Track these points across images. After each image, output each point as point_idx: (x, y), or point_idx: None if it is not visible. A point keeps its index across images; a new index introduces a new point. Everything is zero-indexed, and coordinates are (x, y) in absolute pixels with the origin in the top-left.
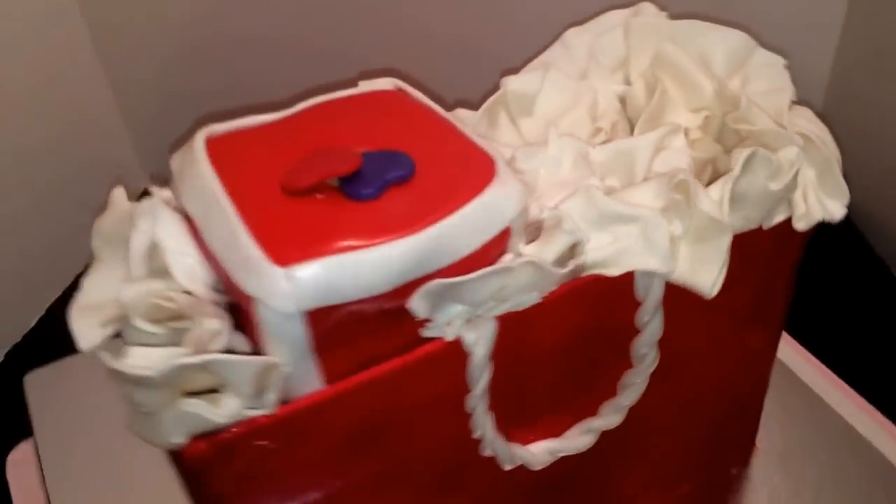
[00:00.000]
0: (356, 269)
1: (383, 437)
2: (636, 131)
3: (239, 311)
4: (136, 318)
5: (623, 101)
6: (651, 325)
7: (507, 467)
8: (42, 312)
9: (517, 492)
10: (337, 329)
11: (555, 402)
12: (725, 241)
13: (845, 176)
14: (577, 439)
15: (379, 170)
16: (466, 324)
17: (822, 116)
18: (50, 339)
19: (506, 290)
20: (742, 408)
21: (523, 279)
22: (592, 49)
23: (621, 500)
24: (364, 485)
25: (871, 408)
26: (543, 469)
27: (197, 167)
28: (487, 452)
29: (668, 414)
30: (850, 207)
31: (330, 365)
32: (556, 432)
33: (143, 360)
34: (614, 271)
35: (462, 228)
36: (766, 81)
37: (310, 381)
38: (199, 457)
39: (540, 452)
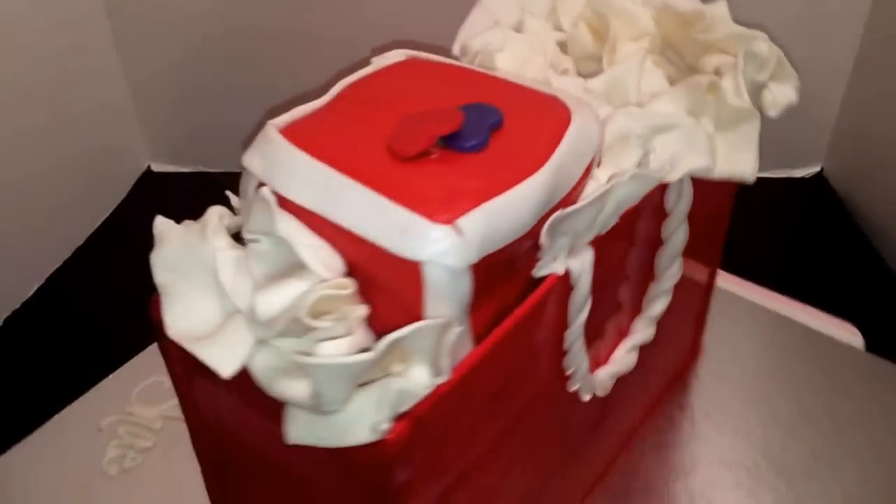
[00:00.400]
0: (507, 211)
1: (507, 391)
2: (604, 64)
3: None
4: (306, 318)
5: (562, 46)
6: (677, 234)
7: (587, 398)
8: (42, 282)
9: (577, 422)
10: (486, 281)
11: (605, 325)
12: (756, 126)
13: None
14: (626, 358)
15: (475, 121)
16: (569, 255)
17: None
18: (48, 306)
19: (602, 213)
20: (697, 310)
21: (623, 196)
22: (522, 3)
23: (630, 408)
24: (493, 448)
25: (788, 298)
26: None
27: (294, 157)
28: (575, 387)
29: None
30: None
31: (477, 321)
32: (605, 356)
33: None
34: (674, 176)
35: (570, 157)
36: (680, 3)
37: (464, 341)
38: (400, 439)
39: (605, 378)
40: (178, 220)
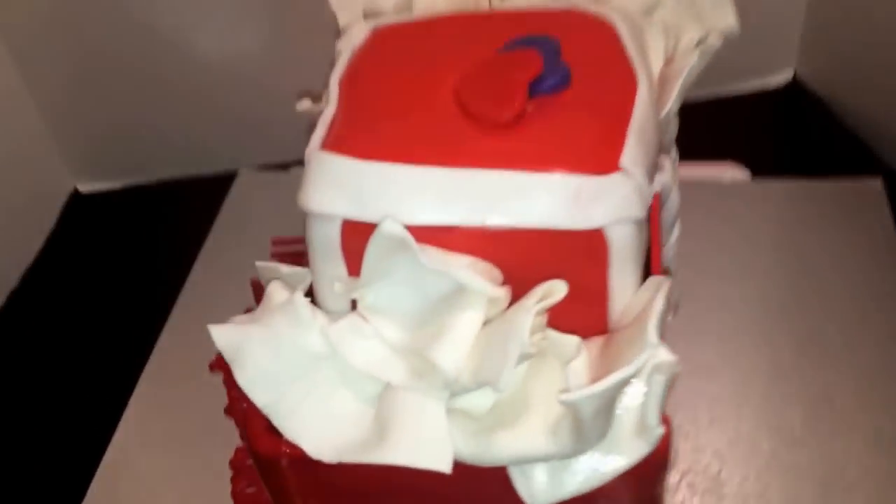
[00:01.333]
0: (644, 136)
1: None
2: None
3: None
4: (529, 342)
5: None
6: (672, 124)
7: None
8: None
9: None
10: None
11: None
12: None
13: None
14: None
15: (547, 57)
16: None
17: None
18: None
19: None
20: None
21: (688, 83)
22: None
23: None
24: None
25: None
26: None
27: (390, 174)
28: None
29: None
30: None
31: None
32: None
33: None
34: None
35: (642, 58)
36: None
37: None
38: (669, 430)
39: None
40: (117, 240)
